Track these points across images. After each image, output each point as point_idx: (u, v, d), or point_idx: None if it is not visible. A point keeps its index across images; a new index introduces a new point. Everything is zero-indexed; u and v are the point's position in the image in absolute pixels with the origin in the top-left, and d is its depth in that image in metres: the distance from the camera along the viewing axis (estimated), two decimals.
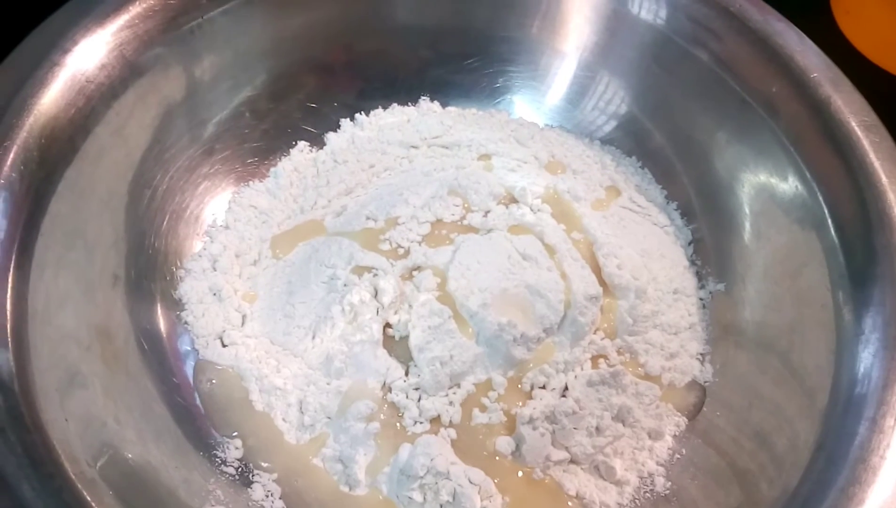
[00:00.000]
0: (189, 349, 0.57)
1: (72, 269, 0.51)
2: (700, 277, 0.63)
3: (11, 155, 0.48)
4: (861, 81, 0.56)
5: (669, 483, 0.54)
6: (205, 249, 0.60)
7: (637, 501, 0.53)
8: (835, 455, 0.46)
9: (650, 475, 0.54)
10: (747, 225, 0.60)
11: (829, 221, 0.53)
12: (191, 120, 0.60)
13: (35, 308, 0.46)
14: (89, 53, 0.52)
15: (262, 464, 0.53)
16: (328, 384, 0.55)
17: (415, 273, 0.59)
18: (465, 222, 0.62)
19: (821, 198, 0.54)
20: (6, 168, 0.47)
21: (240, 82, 0.62)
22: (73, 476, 0.41)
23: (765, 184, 0.59)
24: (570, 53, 0.68)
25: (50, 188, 0.49)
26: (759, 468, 0.50)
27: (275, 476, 0.53)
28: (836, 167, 0.54)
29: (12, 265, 0.46)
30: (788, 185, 0.57)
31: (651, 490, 0.54)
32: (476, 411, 0.54)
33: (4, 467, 0.40)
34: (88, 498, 0.41)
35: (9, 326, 0.44)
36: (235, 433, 0.54)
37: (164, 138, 0.58)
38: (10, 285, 0.45)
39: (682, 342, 0.59)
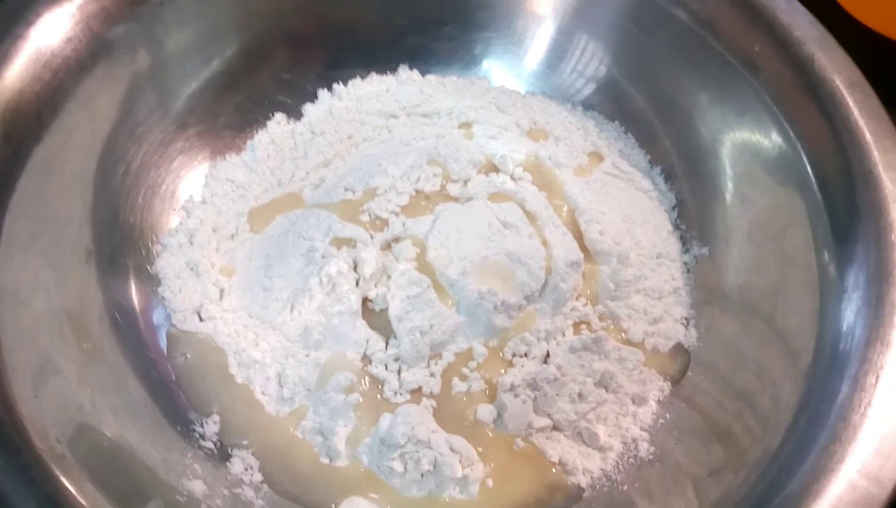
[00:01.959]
0: (164, 323, 0.56)
1: (42, 247, 0.50)
2: (684, 241, 0.62)
3: None
4: (852, 43, 0.55)
5: (653, 447, 0.54)
6: (181, 224, 0.60)
7: (620, 466, 0.53)
8: (817, 413, 0.45)
9: (634, 440, 0.54)
10: (731, 187, 0.59)
11: (813, 180, 0.53)
12: (162, 94, 0.59)
13: (3, 286, 0.46)
14: (54, 26, 0.51)
15: (241, 438, 0.52)
16: (307, 356, 0.54)
17: (394, 244, 0.58)
18: (445, 192, 0.61)
19: (804, 157, 0.53)
20: None
21: (211, 55, 0.61)
22: (42, 453, 0.41)
23: (748, 145, 0.58)
24: (547, 17, 0.67)
25: (17, 165, 0.49)
26: (742, 429, 0.50)
27: (254, 449, 0.52)
28: (819, 126, 0.53)
29: None
30: (772, 145, 0.56)
31: (635, 455, 0.53)
32: (456, 380, 0.54)
33: None
34: (58, 474, 0.40)
35: None
36: (213, 408, 0.53)
37: (135, 113, 0.57)
38: None
39: (666, 306, 0.58)
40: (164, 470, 0.48)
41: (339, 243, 0.58)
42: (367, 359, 0.55)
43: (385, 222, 0.59)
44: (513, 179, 0.62)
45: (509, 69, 0.70)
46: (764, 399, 0.50)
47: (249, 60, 0.63)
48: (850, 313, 0.47)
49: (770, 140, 0.56)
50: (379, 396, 0.53)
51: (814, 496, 0.41)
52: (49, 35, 0.51)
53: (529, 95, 0.69)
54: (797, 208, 0.53)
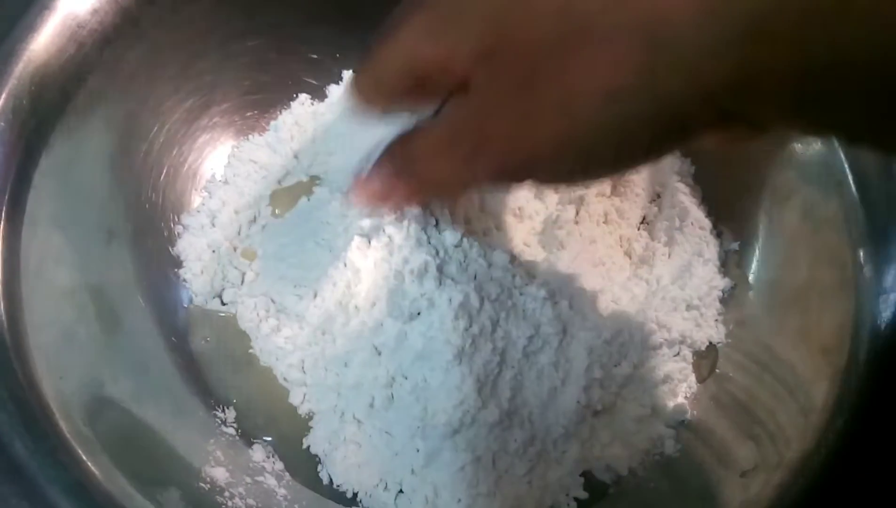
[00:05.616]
0: (187, 307, 0.55)
1: (65, 223, 0.49)
2: (714, 235, 0.61)
3: (0, 102, 0.46)
4: None
5: (679, 445, 0.53)
6: (203, 204, 0.58)
7: (646, 464, 0.52)
8: (854, 415, 0.45)
9: (660, 437, 0.53)
10: (763, 182, 0.58)
11: (850, 177, 0.52)
12: (187, 70, 0.57)
13: (28, 263, 0.45)
14: None
15: (262, 425, 0.52)
16: (331, 343, 0.53)
17: None
18: None
19: (841, 154, 0.52)
20: None
21: (239, 31, 0.59)
22: (69, 435, 0.40)
23: (782, 139, 0.57)
24: None
25: (41, 139, 0.48)
26: (774, 430, 0.49)
27: (275, 437, 0.52)
28: None
29: (3, 218, 0.45)
30: (807, 139, 0.55)
31: (661, 452, 0.53)
32: None
33: None
34: (84, 458, 0.40)
35: (0, 280, 0.43)
36: (234, 394, 0.53)
37: (160, 89, 0.56)
38: (0, 238, 0.44)
39: (704, 304, 0.57)
40: (186, 457, 0.47)
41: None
42: None
43: None
44: None
45: None
46: (796, 400, 0.49)
47: (277, 39, 0.61)
48: (888, 314, 0.47)
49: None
50: None
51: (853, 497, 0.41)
52: (75, 6, 0.50)
53: None
54: (832, 204, 0.52)
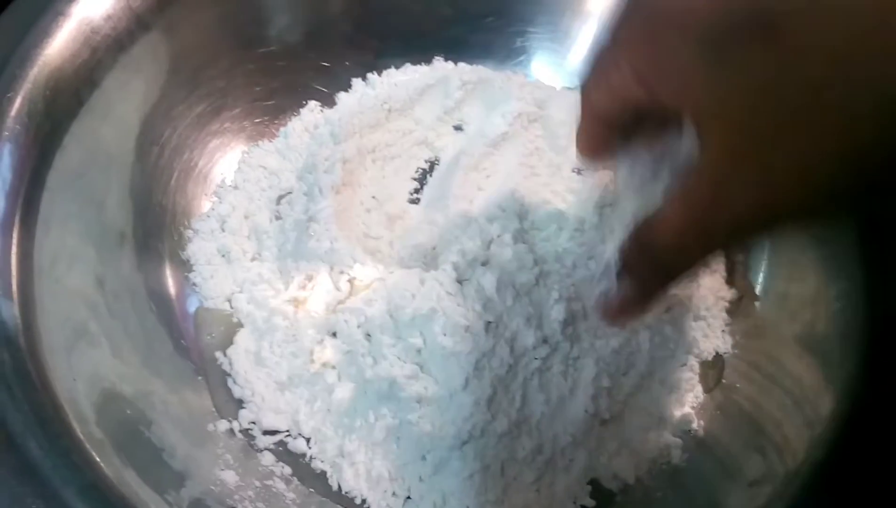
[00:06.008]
0: (197, 310, 0.55)
1: (78, 226, 0.50)
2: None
3: (16, 106, 0.47)
4: None
5: (686, 454, 0.53)
6: (213, 209, 0.59)
7: (653, 472, 0.52)
8: (860, 427, 0.45)
9: (667, 446, 0.53)
10: None
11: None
12: (200, 75, 0.58)
13: (41, 265, 0.45)
14: (95, 4, 0.51)
15: (271, 430, 0.52)
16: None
17: None
18: None
19: None
20: (10, 120, 0.46)
21: (252, 39, 0.60)
22: (82, 437, 0.40)
23: None
24: (592, 15, 0.66)
25: (55, 142, 0.48)
26: (780, 441, 0.49)
27: (282, 440, 0.52)
28: None
29: (17, 220, 0.45)
30: None
31: (668, 462, 0.53)
32: None
33: (11, 425, 0.39)
34: (98, 459, 0.40)
35: (14, 282, 0.43)
36: (243, 398, 0.53)
37: (171, 93, 0.56)
38: (14, 240, 0.45)
39: (710, 315, 0.57)
40: (196, 459, 0.48)
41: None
42: None
43: None
44: None
45: (549, 65, 0.68)
46: (803, 411, 0.49)
47: (289, 46, 0.61)
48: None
49: None
50: None
51: None
52: (90, 12, 0.50)
53: (565, 91, 0.68)
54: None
